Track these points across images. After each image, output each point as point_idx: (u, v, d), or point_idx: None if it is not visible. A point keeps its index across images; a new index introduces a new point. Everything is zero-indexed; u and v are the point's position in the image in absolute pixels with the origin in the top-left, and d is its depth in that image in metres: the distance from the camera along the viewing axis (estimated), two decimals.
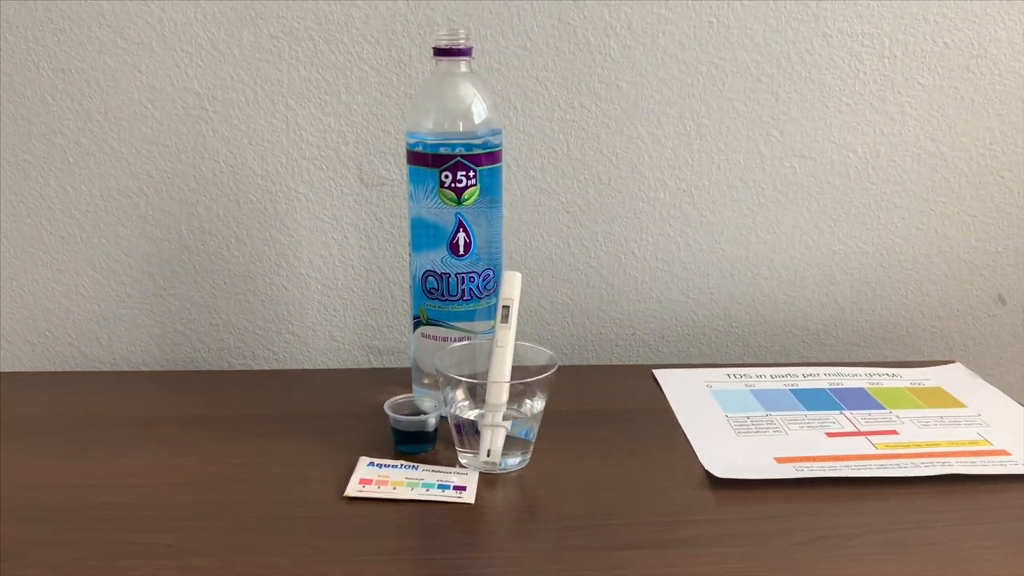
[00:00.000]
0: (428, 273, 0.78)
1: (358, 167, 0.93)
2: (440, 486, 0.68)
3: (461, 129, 0.76)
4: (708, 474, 0.70)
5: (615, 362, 1.00)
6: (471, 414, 0.71)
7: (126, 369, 0.97)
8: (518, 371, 0.70)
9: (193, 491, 0.68)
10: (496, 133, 0.77)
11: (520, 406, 0.71)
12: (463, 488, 0.68)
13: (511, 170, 0.92)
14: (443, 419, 0.74)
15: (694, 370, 0.91)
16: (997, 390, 0.86)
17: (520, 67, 0.91)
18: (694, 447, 0.74)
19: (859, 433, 0.77)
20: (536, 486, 0.70)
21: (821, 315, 1.00)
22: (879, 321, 1.00)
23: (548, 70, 0.91)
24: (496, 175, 0.78)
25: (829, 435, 0.76)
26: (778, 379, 0.88)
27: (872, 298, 0.99)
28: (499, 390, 0.69)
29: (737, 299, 0.99)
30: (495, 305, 0.74)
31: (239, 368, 0.98)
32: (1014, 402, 0.83)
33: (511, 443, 0.70)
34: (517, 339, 0.71)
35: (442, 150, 0.75)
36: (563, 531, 0.63)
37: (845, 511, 0.65)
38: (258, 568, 0.59)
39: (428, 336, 0.80)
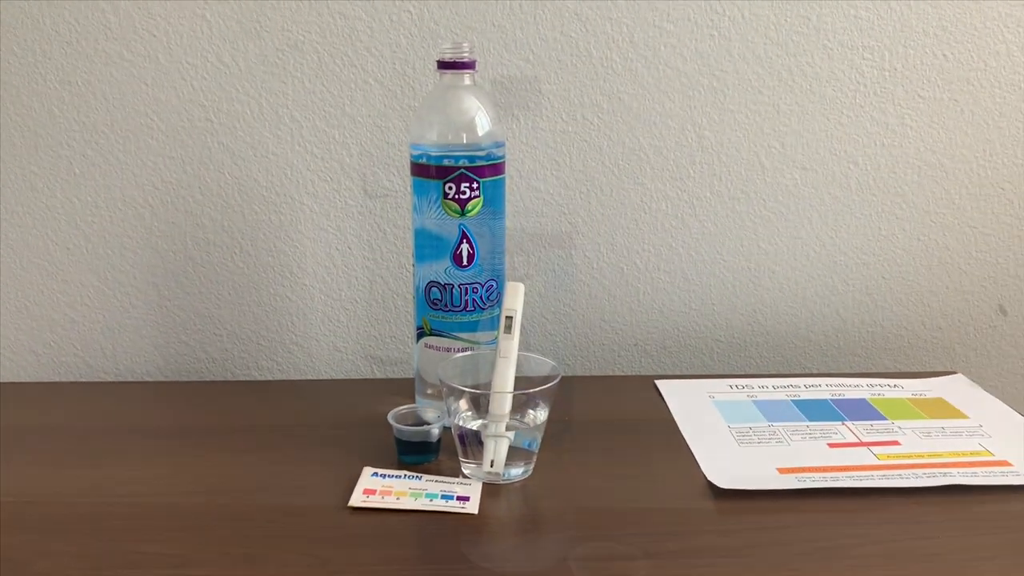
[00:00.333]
0: (431, 284, 0.78)
1: (362, 179, 0.93)
2: (444, 496, 0.68)
3: (464, 141, 0.76)
4: (711, 484, 0.70)
5: (617, 373, 1.00)
6: (474, 424, 0.71)
7: (130, 380, 0.97)
8: (521, 381, 0.71)
9: (197, 501, 0.68)
10: (499, 145, 0.78)
11: (523, 416, 0.71)
12: (467, 498, 0.68)
13: (514, 181, 0.93)
14: (446, 430, 0.74)
15: (696, 381, 0.91)
16: (998, 401, 0.86)
17: (523, 79, 0.91)
18: (696, 458, 0.74)
19: (861, 444, 0.77)
20: (539, 496, 0.70)
21: (823, 326, 1.00)
22: (880, 332, 1.00)
23: (551, 82, 0.92)
24: (499, 186, 0.78)
25: (831, 445, 0.76)
26: (780, 390, 0.88)
27: (873, 309, 0.99)
28: (502, 401, 0.69)
29: (739, 310, 0.99)
30: (498, 316, 0.74)
31: (243, 379, 0.98)
32: (1015, 412, 0.83)
33: (514, 453, 0.70)
34: (520, 350, 0.71)
35: (446, 162, 0.76)
36: (567, 541, 0.63)
37: (847, 521, 0.65)
38: None
39: (431, 347, 0.80)
